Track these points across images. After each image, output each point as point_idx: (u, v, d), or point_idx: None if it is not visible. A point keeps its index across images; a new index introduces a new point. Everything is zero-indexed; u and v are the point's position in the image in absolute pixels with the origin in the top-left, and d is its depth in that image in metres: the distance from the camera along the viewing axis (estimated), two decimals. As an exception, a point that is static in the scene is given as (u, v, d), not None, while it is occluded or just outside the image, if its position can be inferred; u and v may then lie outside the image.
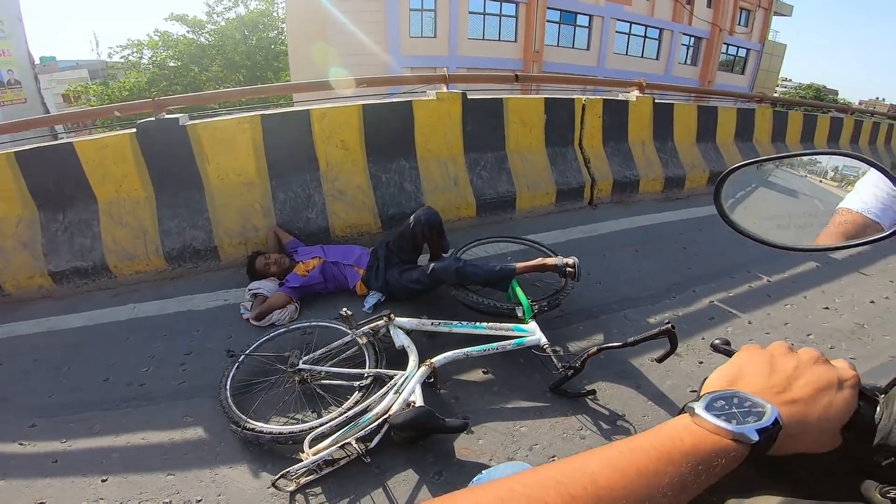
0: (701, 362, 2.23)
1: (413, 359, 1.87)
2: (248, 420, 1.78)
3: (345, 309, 1.97)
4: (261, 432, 1.73)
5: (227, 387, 1.94)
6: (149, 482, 1.67)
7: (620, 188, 4.26)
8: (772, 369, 0.43)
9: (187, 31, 21.60)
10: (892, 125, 7.95)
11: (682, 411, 0.40)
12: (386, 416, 1.67)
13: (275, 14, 22.66)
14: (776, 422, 0.37)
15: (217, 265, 2.95)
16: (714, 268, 3.16)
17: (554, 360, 1.86)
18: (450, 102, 3.38)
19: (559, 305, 2.33)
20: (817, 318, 2.71)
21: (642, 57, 19.18)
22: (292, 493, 1.59)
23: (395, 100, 3.30)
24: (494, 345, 1.91)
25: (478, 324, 2.02)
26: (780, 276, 3.16)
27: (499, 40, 16.42)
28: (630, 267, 3.10)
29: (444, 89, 3.41)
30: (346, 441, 1.62)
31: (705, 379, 0.47)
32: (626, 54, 18.83)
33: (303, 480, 1.60)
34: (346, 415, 1.72)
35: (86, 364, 2.27)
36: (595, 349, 1.80)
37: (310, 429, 1.70)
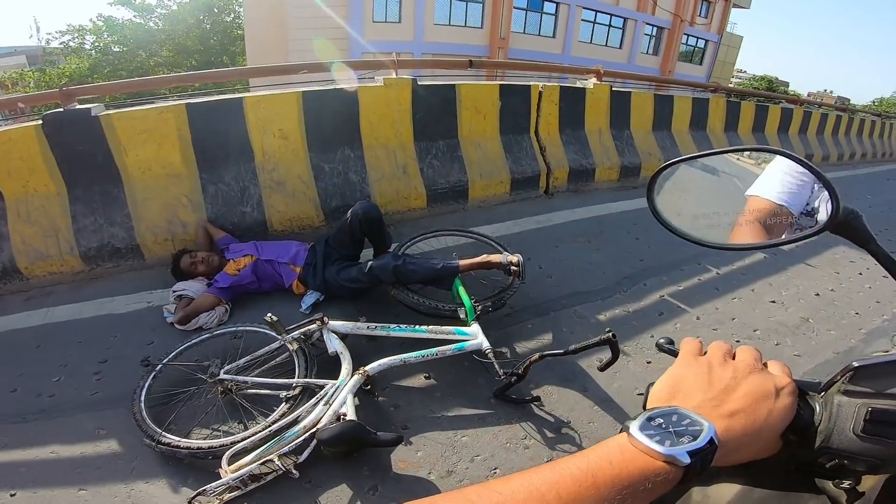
0: (649, 362, 2.20)
1: (346, 367, 1.75)
2: (164, 434, 1.64)
3: (269, 315, 1.83)
4: (177, 447, 1.60)
5: (142, 398, 1.79)
6: (59, 497, 1.56)
7: (576, 176, 4.23)
8: (709, 381, 0.43)
9: (134, 16, 20.29)
10: (840, 117, 8.27)
11: (622, 430, 0.39)
12: (314, 429, 1.56)
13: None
14: (711, 441, 0.36)
15: (141, 264, 2.72)
16: (665, 259, 3.16)
17: (496, 365, 1.77)
18: (399, 89, 3.22)
19: (505, 305, 2.23)
20: (764, 313, 2.73)
21: (606, 45, 19.35)
22: None
23: (339, 86, 3.10)
24: (433, 350, 1.80)
25: (417, 327, 1.91)
26: (729, 268, 3.19)
27: (465, 26, 16.13)
28: (582, 259, 3.05)
29: (394, 75, 3.25)
30: (270, 457, 1.50)
31: (650, 385, 0.46)
32: (591, 42, 18.94)
33: (226, 497, 1.49)
34: (269, 429, 1.60)
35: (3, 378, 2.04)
36: (537, 356, 1.73)
37: (231, 443, 1.58)
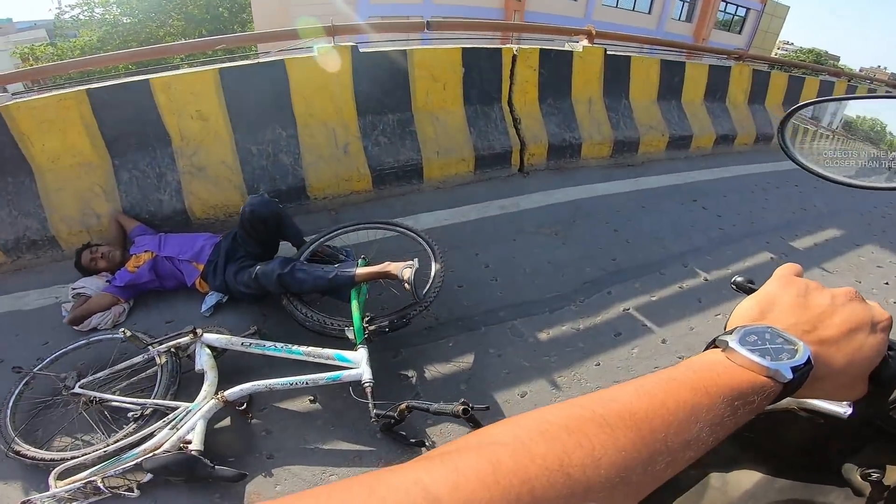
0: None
1: (205, 389, 1.61)
2: (17, 441, 1.60)
3: (123, 329, 1.69)
4: (24, 455, 1.57)
5: (9, 405, 1.73)
6: None
7: (558, 152, 3.81)
8: (805, 304, 0.40)
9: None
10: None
11: (711, 345, 0.38)
12: (153, 453, 1.43)
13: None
14: (808, 361, 0.35)
15: (61, 255, 2.61)
16: (644, 258, 2.75)
17: (370, 405, 1.55)
18: (335, 58, 2.90)
19: (408, 323, 1.91)
20: None
21: (634, 10, 17.91)
22: None
23: (263, 60, 2.82)
24: (303, 378, 1.60)
25: (294, 347, 1.71)
26: (722, 271, 2.74)
27: (478, -14, 15.15)
28: (541, 257, 2.69)
29: (331, 43, 2.92)
30: (94, 479, 1.42)
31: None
32: (617, 6, 17.55)
33: None
34: (106, 449, 1.51)
35: None
36: (405, 405, 1.51)
37: (71, 458, 1.51)
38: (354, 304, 1.83)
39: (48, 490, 1.45)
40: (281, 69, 2.82)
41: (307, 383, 1.60)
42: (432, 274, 2.01)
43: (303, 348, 1.71)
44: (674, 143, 4.40)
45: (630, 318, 2.32)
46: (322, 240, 2.28)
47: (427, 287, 1.93)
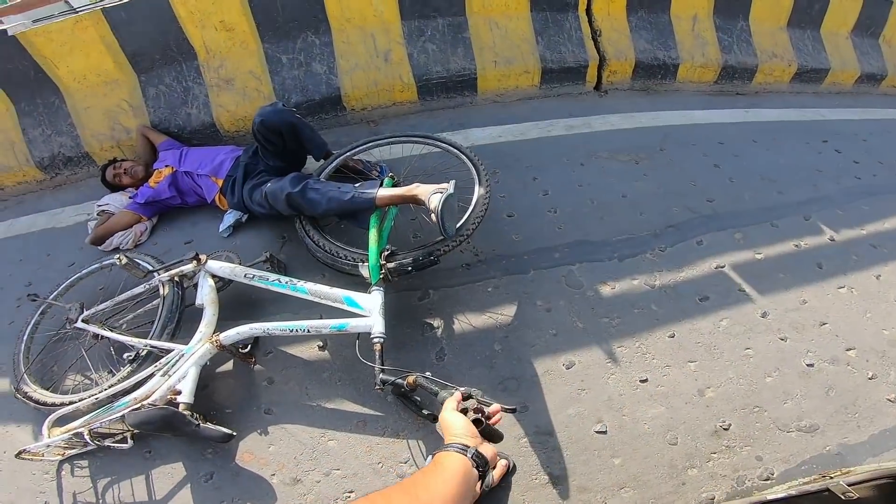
0: (643, 381, 1.47)
1: (202, 330, 1.41)
2: (26, 380, 1.52)
3: (119, 256, 1.51)
4: (28, 397, 1.49)
5: (24, 338, 1.65)
6: None
7: (647, 72, 3.13)
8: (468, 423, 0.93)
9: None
10: None
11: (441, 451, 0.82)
12: (143, 403, 1.27)
13: None
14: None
15: (96, 170, 2.54)
16: (751, 203, 2.12)
17: (376, 367, 1.24)
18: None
19: (437, 262, 1.51)
20: (878, 321, 1.69)
21: None
22: (60, 462, 1.39)
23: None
24: (304, 325, 1.35)
25: (298, 284, 1.45)
26: (855, 230, 2.07)
27: None
28: (614, 187, 2.14)
29: None
30: (81, 430, 1.28)
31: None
32: None
33: (67, 453, 1.37)
34: (97, 396, 1.37)
35: None
36: (412, 378, 1.17)
37: (65, 403, 1.41)
38: (373, 234, 1.50)
39: (42, 439, 1.34)
40: None
41: (308, 330, 1.35)
42: (474, 200, 1.62)
43: (309, 286, 1.45)
44: (802, 75, 3.49)
45: (723, 278, 1.79)
46: (347, 154, 1.95)
47: (465, 218, 1.56)
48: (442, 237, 1.53)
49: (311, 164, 2.09)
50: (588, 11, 3.05)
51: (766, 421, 1.39)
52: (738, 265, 1.84)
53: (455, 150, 1.88)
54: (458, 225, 1.51)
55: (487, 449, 0.88)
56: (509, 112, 2.79)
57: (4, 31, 2.32)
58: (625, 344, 1.56)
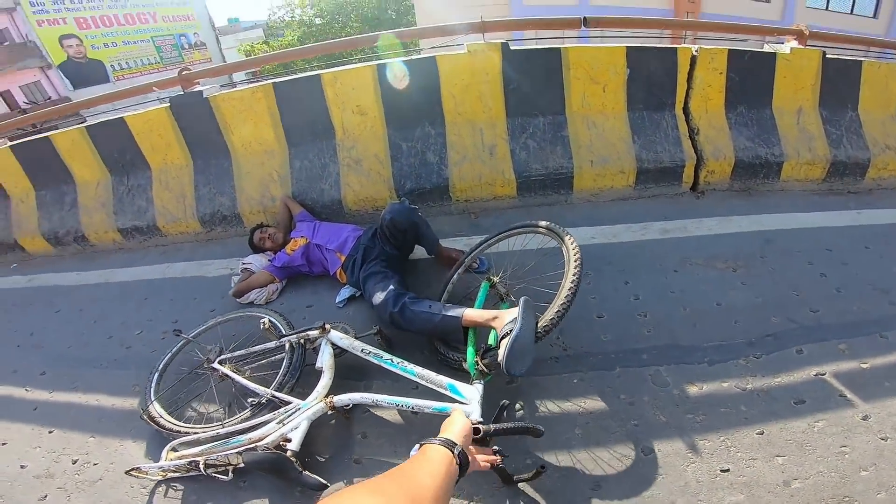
0: (725, 470, 1.47)
1: (318, 390, 1.65)
2: (154, 404, 1.82)
3: (267, 318, 1.83)
4: (153, 421, 1.77)
5: (160, 367, 1.98)
6: (75, 440, 1.87)
7: (748, 171, 3.08)
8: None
9: (331, -11, 22.90)
10: None
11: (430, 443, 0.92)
12: (256, 444, 1.52)
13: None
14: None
15: (243, 231, 3.05)
16: (859, 314, 2.03)
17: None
18: (485, 55, 2.79)
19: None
20: None
21: (852, 13, 14.11)
22: (159, 481, 1.64)
23: (415, 57, 2.85)
24: (410, 402, 1.53)
25: (408, 367, 1.65)
26: None
27: (638, -12, 13.68)
28: (708, 295, 2.15)
29: (481, 41, 2.83)
30: (198, 459, 1.55)
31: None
32: (827, 9, 14.02)
33: (170, 475, 1.63)
34: (218, 432, 1.63)
35: (106, 320, 2.57)
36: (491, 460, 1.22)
37: (185, 432, 1.68)
38: (472, 335, 1.71)
39: (160, 460, 1.61)
40: (432, 65, 2.81)
41: (413, 408, 1.54)
42: (559, 301, 1.68)
43: (417, 369, 1.64)
44: (920, 165, 3.27)
45: (823, 385, 1.75)
46: (468, 258, 2.21)
47: (544, 321, 1.62)
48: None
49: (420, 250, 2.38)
50: (685, 109, 3.10)
51: (857, 510, 1.33)
52: (840, 373, 1.78)
53: (564, 248, 1.90)
54: (519, 367, 1.53)
55: (477, 455, 0.98)
56: (603, 212, 2.87)
57: (200, 92, 2.93)
58: (708, 437, 1.57)
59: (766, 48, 3.16)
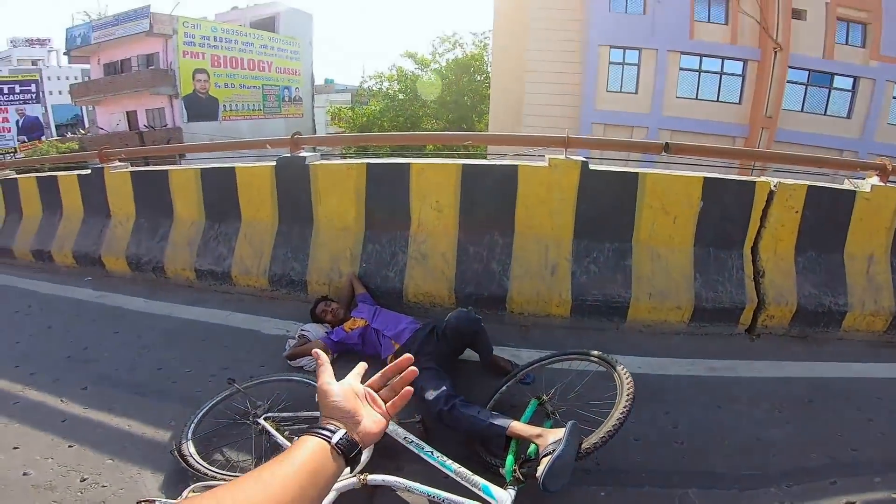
0: None
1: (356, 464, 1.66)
2: (188, 443, 1.85)
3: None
4: (183, 458, 1.79)
5: (203, 410, 2.04)
6: (91, 459, 1.89)
7: (808, 319, 2.99)
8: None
9: (416, 68, 25.39)
10: None
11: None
12: None
13: (486, 58, 24.77)
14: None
15: (304, 297, 3.21)
16: None
17: None
18: (564, 172, 2.93)
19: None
20: None
21: None
22: None
23: (500, 163, 3.06)
24: (443, 495, 1.58)
25: (447, 462, 1.70)
26: None
27: (716, 101, 14.41)
28: (749, 432, 2.14)
29: (563, 155, 2.97)
30: None
31: None
32: None
33: None
34: None
35: (161, 351, 2.72)
36: None
37: (214, 476, 1.70)
38: (512, 443, 1.76)
39: (178, 498, 1.61)
40: (513, 174, 2.97)
41: (443, 501, 1.57)
42: (608, 425, 1.70)
43: (455, 466, 1.69)
44: None
45: None
46: (509, 383, 2.24)
47: (589, 443, 1.67)
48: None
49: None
50: (754, 249, 3.05)
51: None
52: (871, 502, 1.76)
53: (617, 377, 1.93)
54: (584, 446, 1.63)
55: (372, 426, 0.72)
56: (653, 344, 2.86)
57: (304, 158, 3.23)
58: None
59: (847, 184, 3.09)
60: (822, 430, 2.17)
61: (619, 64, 14.39)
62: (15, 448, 1.96)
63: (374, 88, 27.12)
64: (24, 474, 1.82)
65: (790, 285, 3.03)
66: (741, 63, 14.15)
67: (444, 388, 1.98)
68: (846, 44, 13.93)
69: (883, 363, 2.78)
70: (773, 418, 2.25)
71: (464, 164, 3.01)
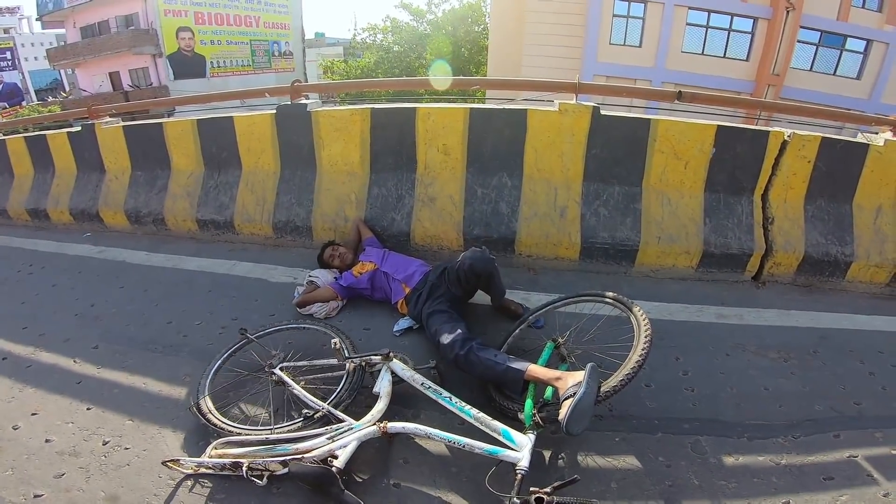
0: None
1: (372, 413, 1.67)
2: (206, 399, 1.84)
3: (338, 339, 1.89)
4: (203, 415, 1.78)
5: (218, 362, 2.02)
6: (112, 421, 1.88)
7: (814, 267, 3.01)
8: None
9: (411, 20, 24.27)
10: None
11: None
12: (303, 455, 1.55)
13: (483, 9, 23.64)
14: None
15: (310, 243, 3.17)
16: None
17: (513, 492, 1.40)
18: (575, 116, 2.86)
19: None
20: None
21: None
22: (187, 475, 1.63)
23: (508, 107, 2.96)
24: (463, 441, 1.56)
25: (466, 408, 1.68)
26: None
27: (723, 57, 13.96)
28: (757, 380, 2.17)
29: (573, 100, 2.90)
30: (253, 462, 1.56)
31: None
32: None
33: (202, 470, 1.62)
34: (268, 437, 1.65)
35: (169, 304, 2.68)
36: (545, 496, 1.33)
37: (233, 432, 1.69)
38: (532, 387, 1.74)
39: (202, 455, 1.61)
40: (522, 118, 2.90)
41: (464, 446, 1.56)
42: (627, 368, 1.70)
43: (474, 411, 1.67)
44: None
45: (853, 465, 1.79)
46: (520, 327, 2.22)
47: (608, 386, 1.66)
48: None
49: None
50: (764, 196, 3.05)
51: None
52: (872, 457, 1.81)
53: (633, 319, 1.89)
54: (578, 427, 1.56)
55: None
56: (661, 289, 2.87)
57: (305, 105, 3.11)
58: (736, 502, 1.60)
59: (860, 137, 3.07)
60: (826, 381, 2.21)
61: (623, 17, 13.82)
62: (34, 414, 1.93)
63: (367, 41, 25.94)
64: (47, 441, 1.79)
65: (798, 233, 3.02)
66: (751, 20, 13.64)
67: (459, 330, 1.96)
68: (862, 7, 13.47)
69: (885, 316, 2.81)
70: (779, 368, 2.28)
71: (471, 108, 2.94)
